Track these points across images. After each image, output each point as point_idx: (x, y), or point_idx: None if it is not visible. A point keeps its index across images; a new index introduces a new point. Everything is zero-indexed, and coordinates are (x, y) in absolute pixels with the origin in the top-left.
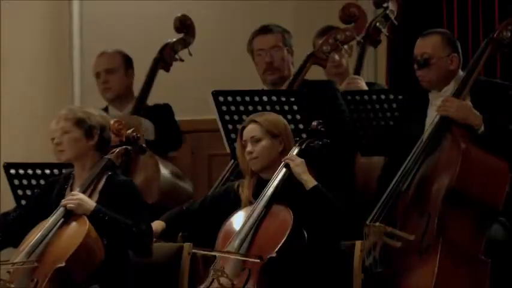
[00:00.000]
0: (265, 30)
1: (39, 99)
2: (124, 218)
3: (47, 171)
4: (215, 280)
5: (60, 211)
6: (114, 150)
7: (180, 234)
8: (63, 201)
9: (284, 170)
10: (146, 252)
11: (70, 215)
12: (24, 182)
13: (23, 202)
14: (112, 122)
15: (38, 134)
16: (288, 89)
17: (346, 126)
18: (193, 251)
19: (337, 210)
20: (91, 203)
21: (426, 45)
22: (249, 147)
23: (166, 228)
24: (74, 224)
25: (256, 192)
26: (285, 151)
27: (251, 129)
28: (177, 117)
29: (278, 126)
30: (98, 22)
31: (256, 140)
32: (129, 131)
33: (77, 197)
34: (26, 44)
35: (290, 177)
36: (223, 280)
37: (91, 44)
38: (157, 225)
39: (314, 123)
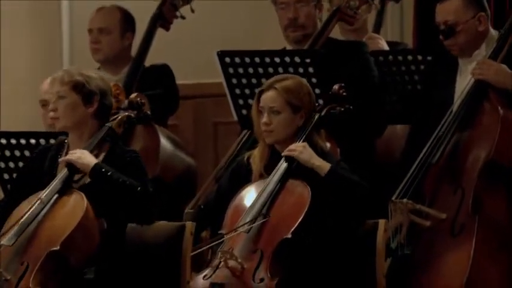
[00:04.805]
0: None
1: (24, 64)
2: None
3: (32, 141)
4: (223, 263)
5: (54, 185)
6: (115, 117)
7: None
8: (61, 159)
9: (285, 165)
10: (148, 218)
11: (66, 191)
12: (7, 153)
13: (5, 176)
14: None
15: (23, 101)
16: (309, 47)
17: (376, 93)
18: (193, 253)
19: (361, 189)
20: (92, 158)
21: (447, 11)
22: (265, 118)
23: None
24: (70, 201)
25: (269, 165)
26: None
27: (270, 98)
28: (178, 81)
29: (301, 96)
30: None
31: (275, 112)
32: (133, 96)
33: (77, 151)
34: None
35: None
36: (232, 263)
37: (81, 1)
38: None
39: (335, 86)
